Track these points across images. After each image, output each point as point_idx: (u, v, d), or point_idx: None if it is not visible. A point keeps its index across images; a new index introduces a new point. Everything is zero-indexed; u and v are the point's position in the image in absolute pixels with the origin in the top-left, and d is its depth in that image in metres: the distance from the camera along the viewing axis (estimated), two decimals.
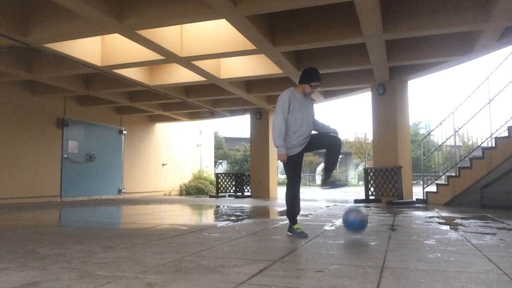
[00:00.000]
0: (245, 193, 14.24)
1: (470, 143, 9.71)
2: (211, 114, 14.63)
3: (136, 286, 2.15)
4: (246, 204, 9.89)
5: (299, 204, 4.21)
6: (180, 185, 17.42)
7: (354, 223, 4.00)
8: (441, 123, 9.61)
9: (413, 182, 12.83)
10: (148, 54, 7.77)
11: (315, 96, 11.69)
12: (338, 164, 4.78)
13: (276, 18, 7.27)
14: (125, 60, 8.12)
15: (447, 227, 4.78)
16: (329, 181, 4.35)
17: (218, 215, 7.13)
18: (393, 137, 9.95)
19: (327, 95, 12.17)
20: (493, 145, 7.85)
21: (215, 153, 25.09)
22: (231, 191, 14.59)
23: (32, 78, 9.23)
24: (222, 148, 39.59)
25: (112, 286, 2.15)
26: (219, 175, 15.14)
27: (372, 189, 10.12)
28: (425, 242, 3.67)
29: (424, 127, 48.40)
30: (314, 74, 4.18)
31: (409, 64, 9.00)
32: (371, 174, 10.19)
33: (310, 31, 7.12)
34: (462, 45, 7.98)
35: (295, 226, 4.13)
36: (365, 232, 4.40)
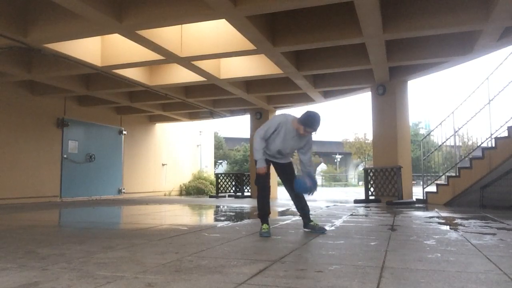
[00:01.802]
0: (245, 193, 14.24)
1: (470, 143, 9.71)
2: (211, 114, 14.63)
3: (136, 286, 2.15)
4: (246, 204, 9.88)
5: (267, 205, 4.27)
6: (180, 185, 17.42)
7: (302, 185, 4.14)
8: (441, 123, 9.61)
9: (413, 182, 12.83)
10: (148, 54, 7.77)
11: (315, 96, 11.69)
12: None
13: (276, 18, 7.26)
14: (125, 60, 8.11)
15: (447, 227, 4.78)
16: (310, 225, 4.34)
17: (218, 215, 7.13)
18: (393, 137, 9.95)
19: (327, 95, 12.16)
20: (493, 145, 7.84)
21: (215, 153, 25.11)
22: (231, 191, 14.59)
23: (32, 78, 9.23)
24: (222, 148, 39.63)
25: (112, 286, 2.15)
26: (219, 175, 15.14)
27: (372, 189, 10.12)
28: (425, 242, 3.67)
29: (424, 127, 48.47)
30: (312, 123, 4.11)
31: (409, 64, 8.99)
32: (371, 174, 10.19)
33: (310, 31, 7.12)
34: (462, 45, 7.98)
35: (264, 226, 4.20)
36: (365, 232, 4.41)
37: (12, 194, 10.16)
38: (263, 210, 4.24)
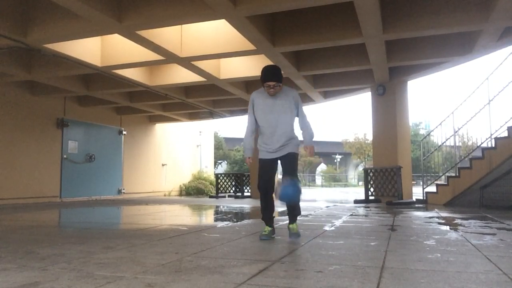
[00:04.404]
0: (245, 194, 14.24)
1: (470, 143, 9.70)
2: (211, 115, 14.64)
3: (136, 287, 2.15)
4: (246, 204, 9.88)
5: (267, 209, 3.95)
6: (180, 185, 17.42)
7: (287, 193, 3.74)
8: (440, 124, 9.61)
9: (413, 182, 12.83)
10: (148, 55, 7.77)
11: (315, 96, 11.69)
12: (299, 208, 4.04)
13: (276, 18, 7.26)
14: (125, 61, 8.12)
15: (447, 227, 4.78)
16: (293, 232, 3.92)
17: (218, 215, 7.13)
18: (393, 137, 9.95)
19: (327, 95, 12.16)
20: (493, 145, 7.84)
21: (215, 153, 25.09)
22: (231, 191, 14.59)
23: (32, 78, 9.22)
24: (222, 148, 39.59)
25: (112, 287, 2.15)
26: (219, 175, 15.14)
27: (372, 189, 10.12)
28: (425, 242, 3.67)
29: (424, 128, 48.42)
30: (265, 74, 3.76)
31: (409, 64, 9.00)
32: (371, 174, 10.19)
33: (310, 31, 7.12)
34: (462, 45, 7.98)
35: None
36: (365, 232, 4.40)
37: (12, 194, 10.16)
38: (263, 213, 4.01)
